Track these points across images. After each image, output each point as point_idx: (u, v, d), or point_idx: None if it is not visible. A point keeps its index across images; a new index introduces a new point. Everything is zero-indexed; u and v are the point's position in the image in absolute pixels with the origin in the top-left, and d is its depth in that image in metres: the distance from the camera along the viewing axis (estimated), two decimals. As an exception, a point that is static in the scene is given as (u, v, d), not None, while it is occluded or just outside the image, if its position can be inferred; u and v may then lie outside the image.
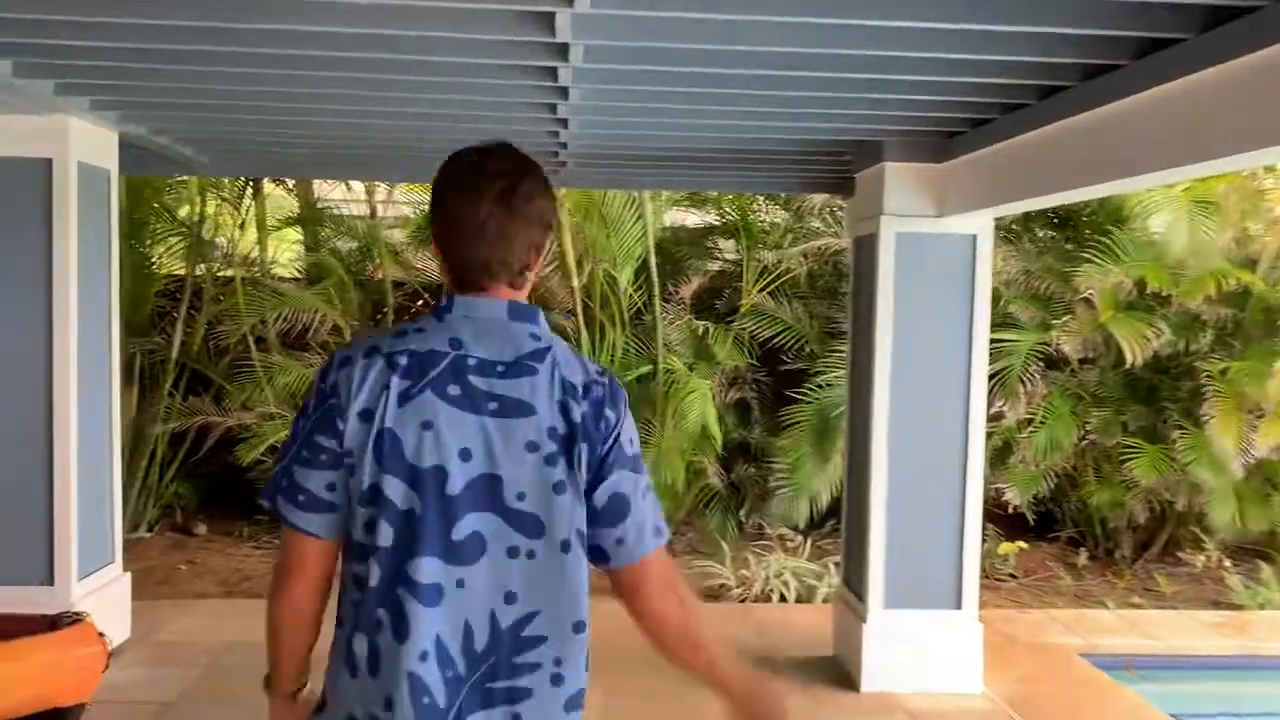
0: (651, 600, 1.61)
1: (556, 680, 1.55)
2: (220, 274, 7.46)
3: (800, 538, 6.86)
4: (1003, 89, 3.55)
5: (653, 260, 7.15)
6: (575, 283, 7.12)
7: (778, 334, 7.30)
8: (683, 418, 6.78)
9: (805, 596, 6.12)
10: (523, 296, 1.64)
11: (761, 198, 7.58)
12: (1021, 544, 7.01)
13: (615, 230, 7.01)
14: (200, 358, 7.37)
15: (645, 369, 7.22)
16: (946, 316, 4.60)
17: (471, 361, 1.54)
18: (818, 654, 5.08)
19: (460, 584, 1.50)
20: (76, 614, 3.90)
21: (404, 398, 1.51)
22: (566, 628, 1.55)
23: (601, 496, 1.56)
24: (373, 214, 8.31)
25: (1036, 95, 3.56)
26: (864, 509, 4.72)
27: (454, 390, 1.52)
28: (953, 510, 4.63)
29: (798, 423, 6.89)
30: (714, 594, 6.23)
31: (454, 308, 1.59)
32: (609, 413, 1.57)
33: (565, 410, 1.54)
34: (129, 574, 4.89)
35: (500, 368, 1.54)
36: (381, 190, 8.39)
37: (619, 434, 1.58)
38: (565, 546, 1.54)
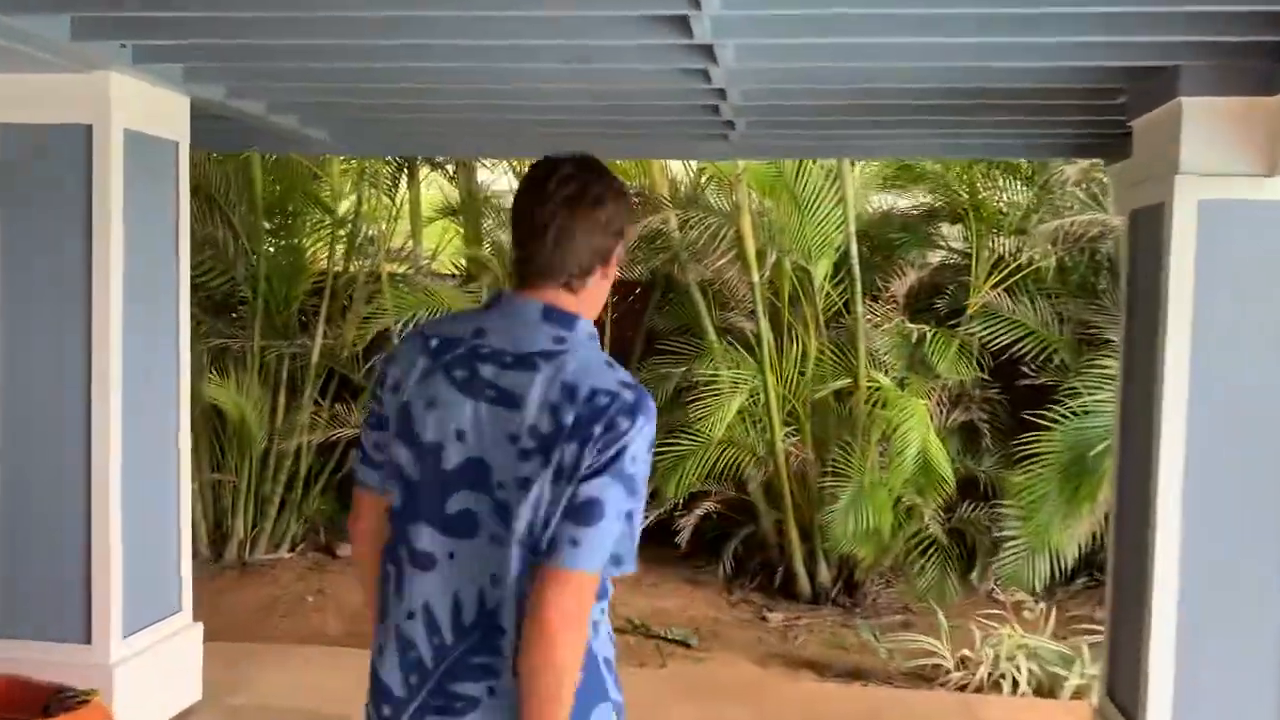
0: (565, 617, 1.51)
1: (494, 671, 1.57)
2: (375, 269, 6.75)
3: (1040, 605, 5.36)
4: None
5: (855, 250, 5.85)
6: (755, 277, 5.92)
7: (1016, 341, 5.88)
8: (898, 450, 5.45)
9: (1047, 688, 4.67)
10: (579, 301, 1.65)
11: (996, 169, 6.10)
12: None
13: (809, 214, 5.76)
14: (349, 363, 6.70)
15: (843, 382, 5.93)
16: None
17: (485, 350, 1.60)
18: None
19: (452, 556, 1.59)
20: (83, 693, 3.11)
21: (422, 375, 1.63)
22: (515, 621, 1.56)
23: (581, 495, 1.53)
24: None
25: None
26: (1142, 588, 3.28)
27: (460, 374, 1.60)
28: (1286, 604, 3.14)
29: (1040, 456, 5.43)
30: (925, 676, 4.88)
31: (499, 303, 1.67)
32: (620, 420, 1.54)
33: (555, 411, 1.54)
34: (199, 625, 4.10)
35: (508, 359, 1.59)
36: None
37: (624, 446, 1.54)
38: (521, 542, 1.55)
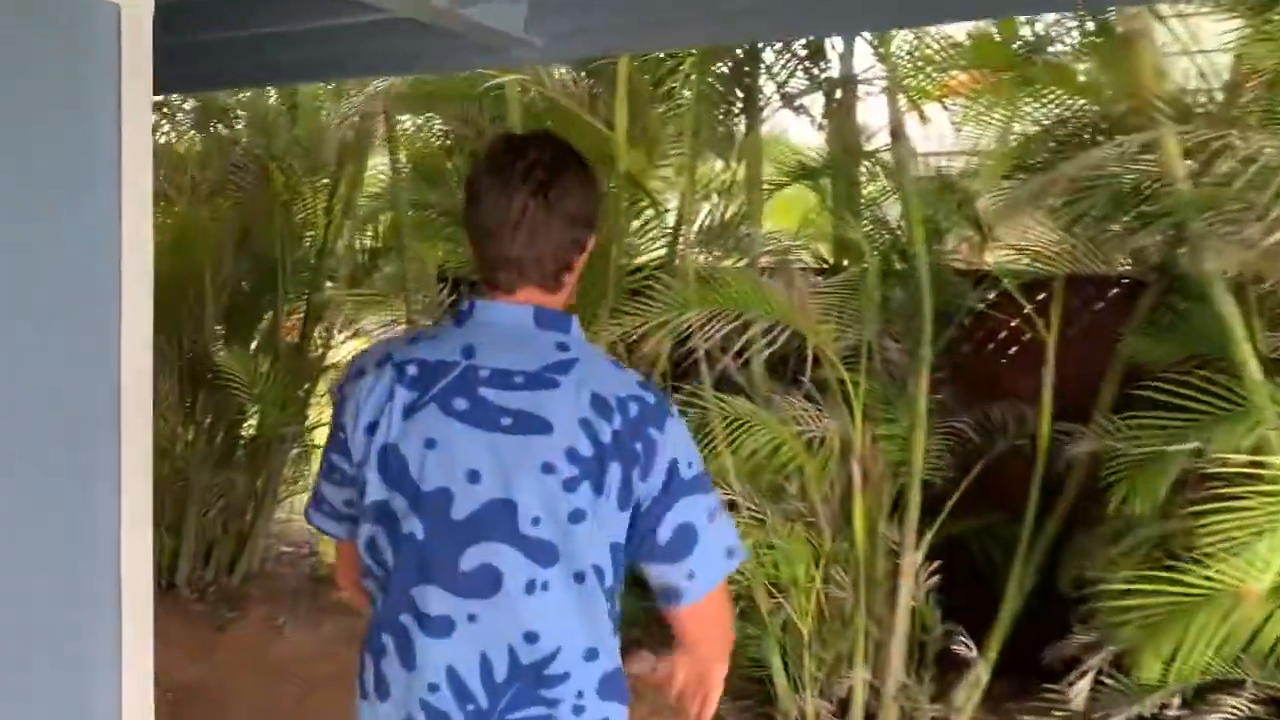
0: (723, 627, 1.55)
1: (578, 710, 1.44)
2: (675, 258, 4.62)
3: None
4: None
5: None
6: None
7: None
8: None
9: None
10: (558, 302, 1.50)
11: None
12: None
13: None
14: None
15: None
16: None
17: (484, 373, 1.42)
18: None
19: (473, 619, 1.40)
20: None
21: (408, 411, 1.41)
22: (580, 657, 1.43)
23: (666, 531, 1.42)
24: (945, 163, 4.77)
25: None
26: None
27: (461, 404, 1.40)
28: None
29: None
30: None
31: (474, 312, 1.48)
32: (652, 432, 1.40)
33: (591, 429, 1.39)
34: None
35: (518, 379, 1.41)
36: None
37: (672, 459, 1.42)
38: (580, 578, 1.41)
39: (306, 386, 5.90)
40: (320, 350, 5.91)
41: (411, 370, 1.42)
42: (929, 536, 3.93)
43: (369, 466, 1.43)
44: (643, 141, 4.76)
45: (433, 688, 1.40)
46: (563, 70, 4.34)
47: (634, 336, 3.94)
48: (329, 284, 5.78)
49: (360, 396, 1.45)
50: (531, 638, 1.39)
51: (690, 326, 3.86)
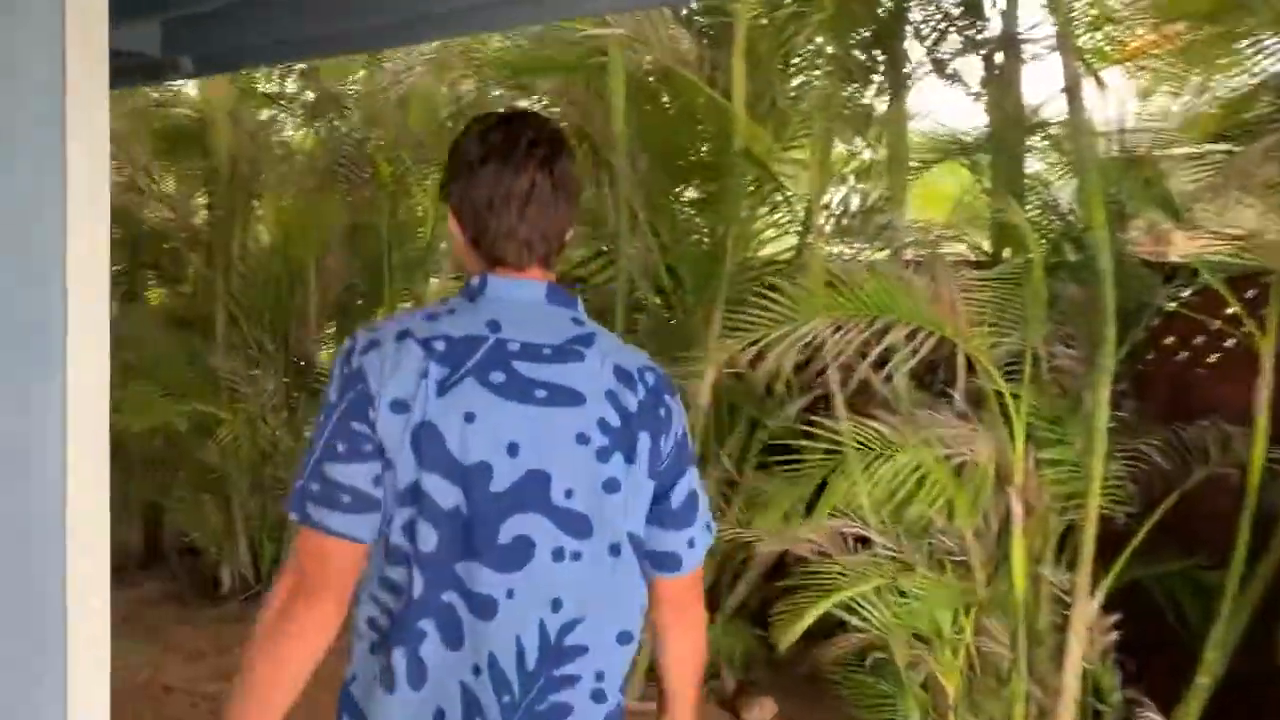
0: (702, 610, 1.57)
1: (598, 696, 1.41)
2: (803, 249, 4.04)
3: None
4: None
5: None
6: None
7: None
8: None
9: None
10: (554, 279, 1.48)
11: None
12: None
13: None
14: (767, 403, 4.08)
15: None
16: None
17: (514, 346, 1.39)
18: None
19: (510, 594, 1.36)
20: None
21: (444, 386, 1.36)
22: (610, 638, 1.42)
23: (679, 496, 1.47)
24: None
25: None
26: None
27: (498, 378, 1.37)
28: None
29: None
30: None
31: (487, 288, 1.44)
32: (669, 400, 1.46)
33: (617, 400, 1.41)
34: None
35: (547, 351, 1.40)
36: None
37: (682, 427, 1.48)
38: (615, 550, 1.41)
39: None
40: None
41: (439, 345, 1.37)
42: (1106, 583, 3.25)
43: (400, 447, 1.34)
44: (769, 117, 4.21)
45: (476, 670, 1.36)
46: (673, 28, 3.83)
47: (753, 351, 3.38)
48: (433, 280, 5.45)
49: (382, 369, 1.36)
50: (557, 605, 1.38)
51: (816, 336, 3.27)
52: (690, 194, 4.53)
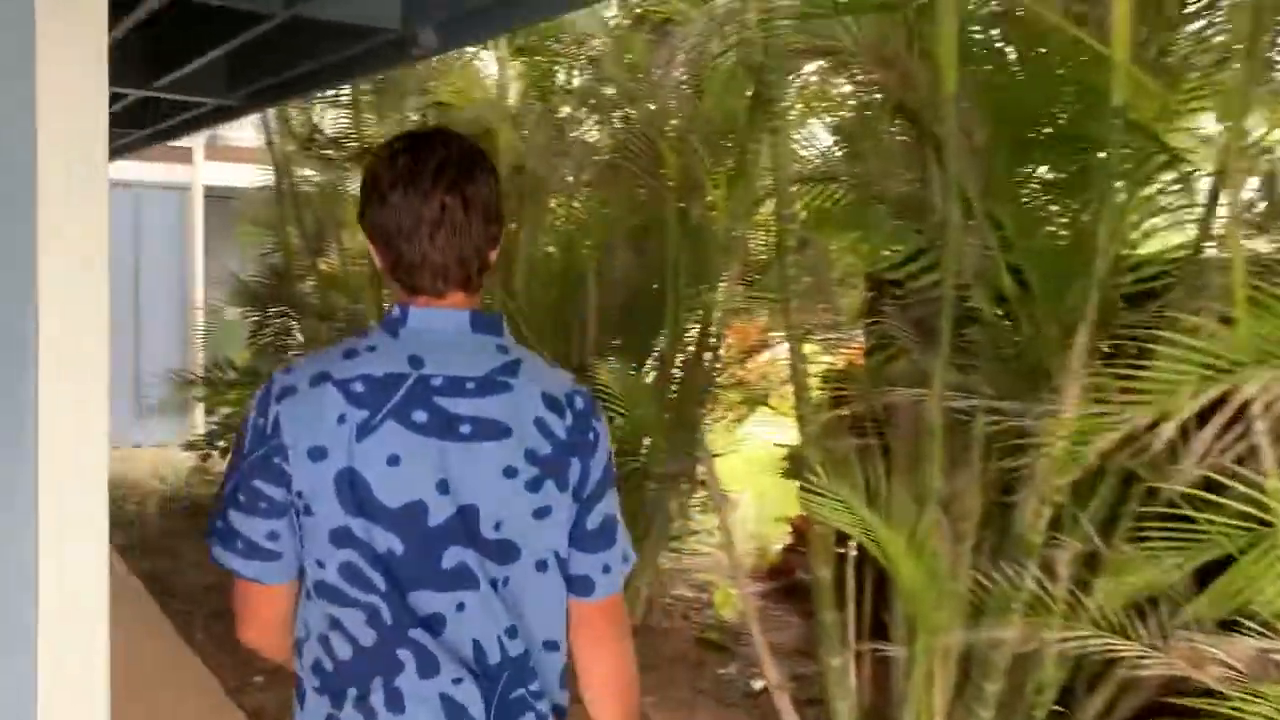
0: (621, 639, 1.54)
1: (536, 696, 1.45)
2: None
3: None
4: None
5: None
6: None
7: None
8: None
9: None
10: (477, 302, 1.48)
11: None
12: None
13: None
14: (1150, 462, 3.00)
15: None
16: None
17: (437, 381, 1.40)
18: None
19: (461, 607, 1.40)
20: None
21: (364, 430, 1.36)
22: (538, 645, 1.46)
23: (594, 520, 1.47)
24: None
25: None
26: None
27: (420, 416, 1.38)
28: None
29: None
30: None
31: (409, 320, 1.43)
32: (595, 424, 1.47)
33: (546, 427, 1.42)
34: None
35: (470, 384, 1.40)
36: None
37: (608, 451, 1.49)
38: (541, 566, 1.44)
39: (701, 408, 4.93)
40: (713, 364, 4.92)
41: (358, 387, 1.37)
42: None
43: (321, 494, 1.36)
44: (1159, 72, 3.15)
45: (456, 680, 1.39)
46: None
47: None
48: (721, 284, 4.76)
49: (296, 418, 1.37)
50: (513, 632, 1.42)
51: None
52: (1043, 173, 3.53)
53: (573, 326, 4.97)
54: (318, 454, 1.34)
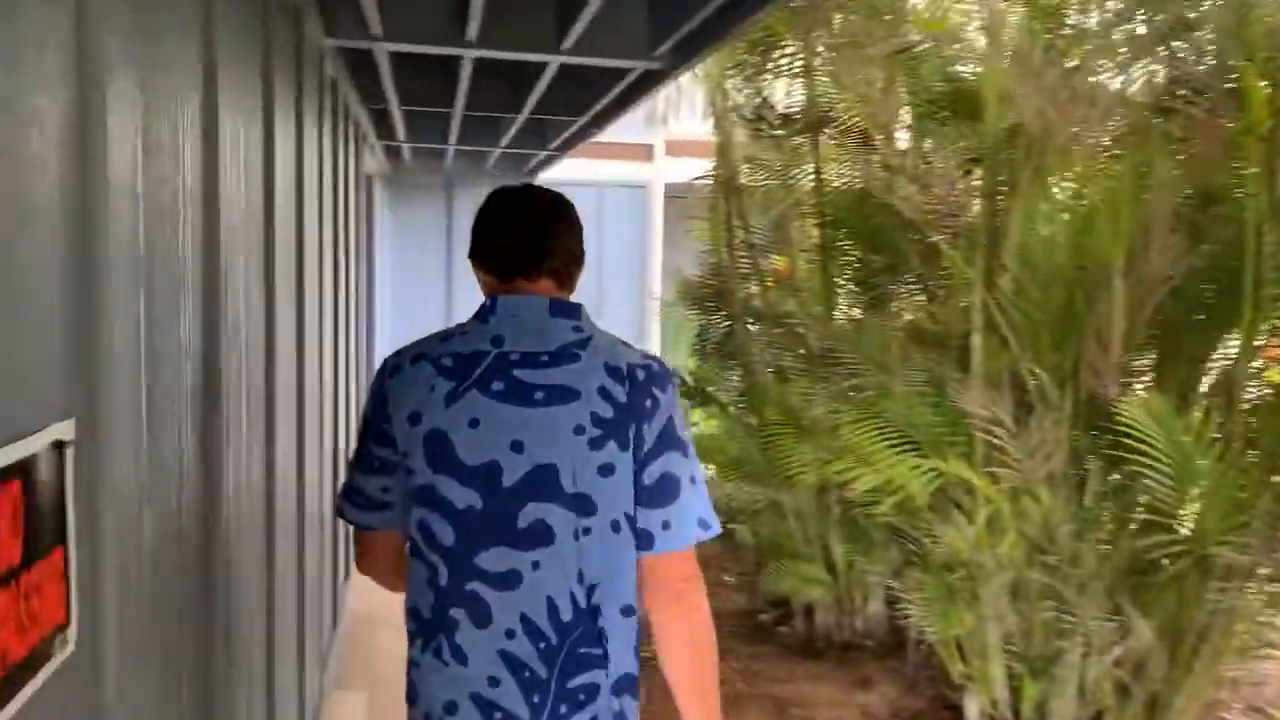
0: (684, 601, 1.62)
1: (604, 659, 1.59)
2: None
3: None
4: None
5: None
6: None
7: None
8: None
9: None
10: (567, 295, 1.68)
11: None
12: None
13: None
14: None
15: None
16: None
17: (514, 357, 1.60)
18: None
19: (536, 565, 1.56)
20: None
21: (450, 398, 1.58)
22: (616, 609, 1.59)
23: (651, 475, 1.59)
24: None
25: None
26: None
27: (499, 386, 1.58)
28: None
29: None
30: None
31: (497, 308, 1.65)
32: (656, 391, 1.61)
33: (608, 394, 1.58)
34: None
35: (545, 358, 1.60)
36: None
37: (669, 416, 1.61)
38: (615, 527, 1.58)
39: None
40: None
41: (448, 362, 1.59)
42: None
43: (415, 454, 1.58)
44: None
45: (510, 634, 1.54)
46: None
47: None
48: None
49: (400, 390, 1.61)
50: (581, 577, 1.56)
51: None
52: None
53: (1085, 338, 3.60)
54: (414, 419, 1.59)
